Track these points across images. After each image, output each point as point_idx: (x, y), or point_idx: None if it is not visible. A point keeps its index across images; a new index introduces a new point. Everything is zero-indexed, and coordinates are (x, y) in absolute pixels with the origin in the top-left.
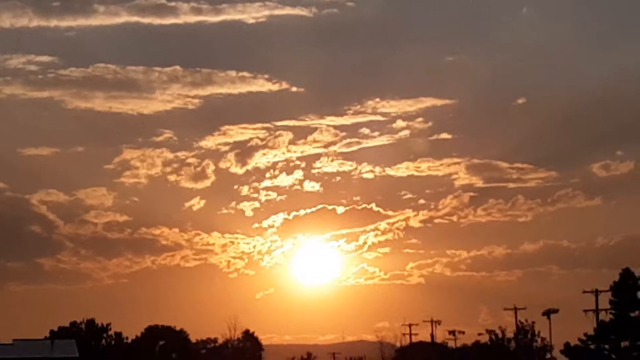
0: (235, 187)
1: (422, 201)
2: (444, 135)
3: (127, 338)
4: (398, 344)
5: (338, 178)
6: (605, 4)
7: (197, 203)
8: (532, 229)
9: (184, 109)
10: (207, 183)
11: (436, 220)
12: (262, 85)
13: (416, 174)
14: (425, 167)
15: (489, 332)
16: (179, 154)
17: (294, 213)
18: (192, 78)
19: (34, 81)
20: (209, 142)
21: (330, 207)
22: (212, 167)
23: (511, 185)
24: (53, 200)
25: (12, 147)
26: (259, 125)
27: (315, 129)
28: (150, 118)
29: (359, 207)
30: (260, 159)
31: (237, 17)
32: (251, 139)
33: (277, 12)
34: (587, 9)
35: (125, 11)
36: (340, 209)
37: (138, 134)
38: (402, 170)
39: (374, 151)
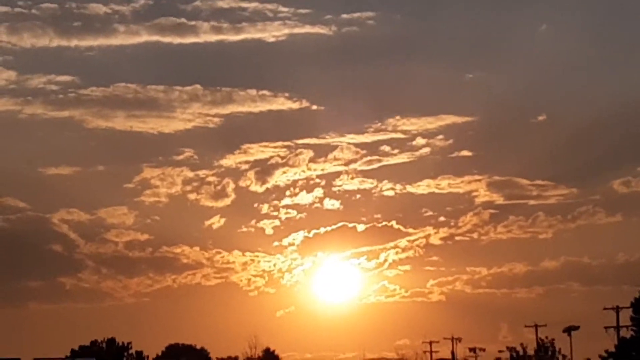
0: (256, 205)
1: (442, 218)
2: (465, 153)
3: (147, 357)
4: None
5: (358, 196)
6: (626, 20)
7: (217, 221)
8: (552, 245)
9: (204, 128)
10: (227, 201)
11: (457, 238)
12: (282, 103)
13: (437, 191)
14: (446, 184)
15: (510, 349)
16: (199, 172)
17: (314, 231)
18: (212, 97)
19: (54, 101)
20: (229, 161)
21: (350, 225)
22: (232, 185)
23: (532, 202)
24: (74, 220)
25: (33, 166)
26: (279, 143)
27: (336, 146)
28: (171, 137)
29: (380, 225)
30: (280, 177)
31: (257, 35)
32: (271, 157)
33: (297, 30)
34: (607, 24)
35: (145, 30)
36: (360, 227)
37: (158, 152)
38: (423, 187)
39: (394, 169)
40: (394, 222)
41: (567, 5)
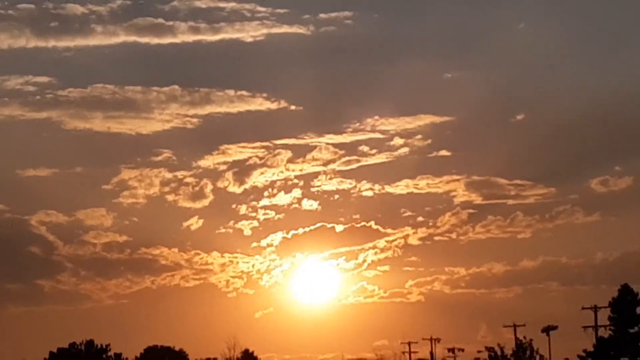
0: (234, 206)
1: (421, 218)
2: (443, 153)
3: (126, 359)
4: None
5: (337, 196)
6: (603, 20)
7: (195, 222)
8: (531, 245)
9: (182, 129)
10: (205, 202)
11: (435, 238)
12: (260, 104)
13: (415, 191)
14: (424, 185)
15: (488, 349)
16: (178, 173)
17: (292, 232)
18: (190, 97)
19: (32, 102)
20: (208, 162)
21: (329, 226)
22: (210, 186)
23: (510, 201)
24: (52, 221)
25: (11, 168)
26: (257, 144)
27: (314, 147)
28: (149, 138)
29: (358, 225)
30: (258, 178)
31: (235, 35)
32: (249, 157)
33: (274, 30)
34: (585, 24)
35: (123, 31)
36: (339, 227)
37: (136, 154)
38: (401, 187)
39: (373, 169)
40: (372, 223)
41: (545, 4)
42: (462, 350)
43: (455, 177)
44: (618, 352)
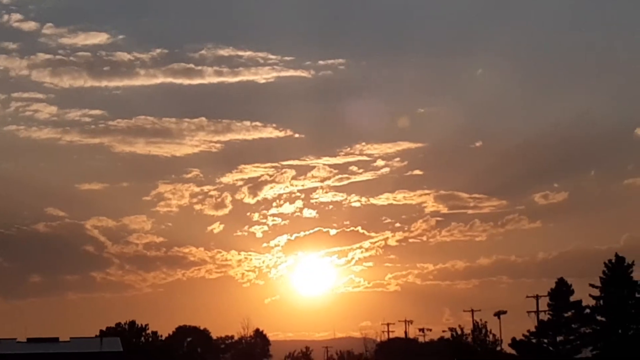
0: (248, 214)
1: (398, 224)
2: (417, 172)
3: (161, 336)
4: (378, 339)
5: (331, 206)
6: (544, 68)
7: (217, 227)
8: (486, 246)
9: (208, 152)
10: (225, 211)
11: (410, 240)
12: (270, 132)
13: (394, 202)
14: (401, 197)
15: (451, 329)
16: (204, 187)
17: (295, 235)
18: (214, 127)
19: (87, 130)
20: (228, 178)
21: (324, 230)
22: (229, 198)
23: (470, 211)
24: (103, 226)
25: (71, 182)
26: (268, 164)
27: (313, 167)
28: (181, 159)
29: (348, 230)
30: (268, 192)
31: (251, 77)
32: (262, 175)
33: (282, 73)
34: (530, 72)
35: (161, 74)
36: (332, 231)
37: (171, 172)
38: (383, 199)
39: (360, 185)
40: (359, 228)
41: (499, 53)
42: (430, 330)
43: (426, 191)
44: (555, 332)
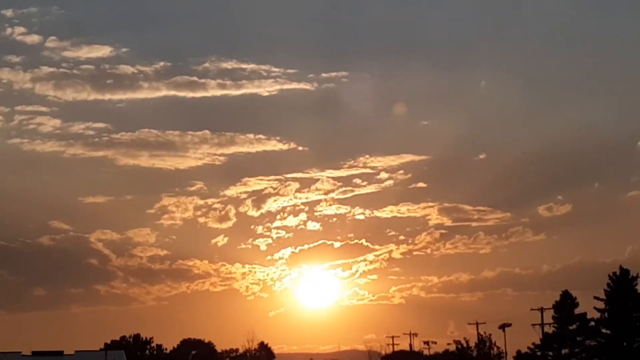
0: (252, 227)
1: (402, 237)
2: (420, 184)
3: (166, 349)
4: (383, 352)
5: (335, 219)
6: (547, 81)
7: (221, 240)
8: (490, 259)
9: (212, 165)
10: (229, 224)
11: (414, 253)
12: (274, 145)
13: (398, 215)
14: (405, 210)
15: (456, 342)
16: (208, 200)
17: (299, 247)
18: (218, 140)
19: (91, 143)
20: (232, 191)
21: (329, 243)
22: (233, 211)
23: (474, 224)
24: (107, 239)
25: (75, 196)
26: (272, 177)
27: (317, 180)
28: (185, 172)
29: (352, 242)
30: (272, 204)
31: (254, 90)
32: (265, 188)
33: (286, 86)
34: (533, 84)
35: (164, 86)
36: (336, 244)
37: (175, 184)
38: (387, 212)
39: (364, 197)
40: (363, 240)
41: (502, 66)
42: (435, 342)
43: (430, 204)
44: (560, 345)
